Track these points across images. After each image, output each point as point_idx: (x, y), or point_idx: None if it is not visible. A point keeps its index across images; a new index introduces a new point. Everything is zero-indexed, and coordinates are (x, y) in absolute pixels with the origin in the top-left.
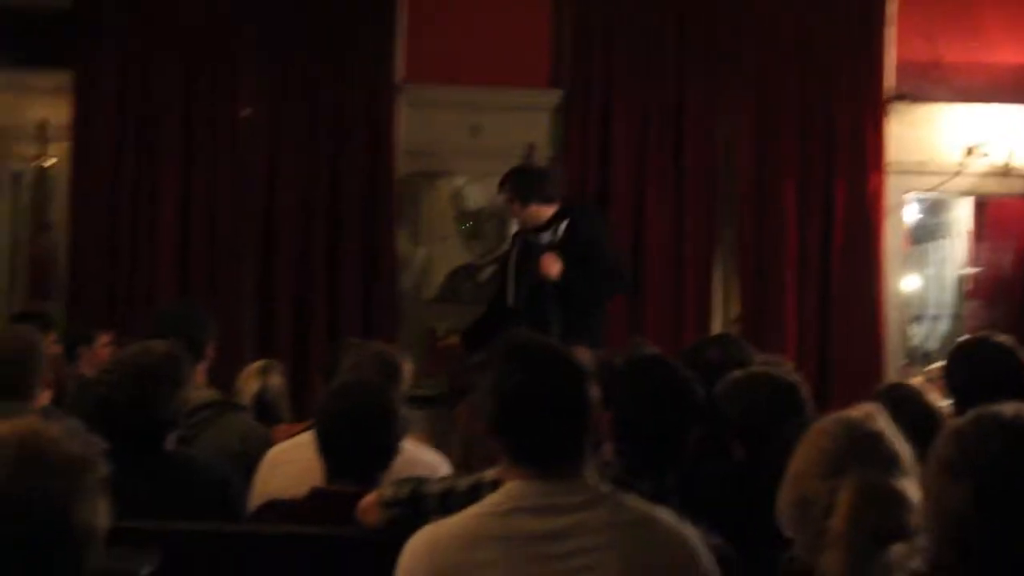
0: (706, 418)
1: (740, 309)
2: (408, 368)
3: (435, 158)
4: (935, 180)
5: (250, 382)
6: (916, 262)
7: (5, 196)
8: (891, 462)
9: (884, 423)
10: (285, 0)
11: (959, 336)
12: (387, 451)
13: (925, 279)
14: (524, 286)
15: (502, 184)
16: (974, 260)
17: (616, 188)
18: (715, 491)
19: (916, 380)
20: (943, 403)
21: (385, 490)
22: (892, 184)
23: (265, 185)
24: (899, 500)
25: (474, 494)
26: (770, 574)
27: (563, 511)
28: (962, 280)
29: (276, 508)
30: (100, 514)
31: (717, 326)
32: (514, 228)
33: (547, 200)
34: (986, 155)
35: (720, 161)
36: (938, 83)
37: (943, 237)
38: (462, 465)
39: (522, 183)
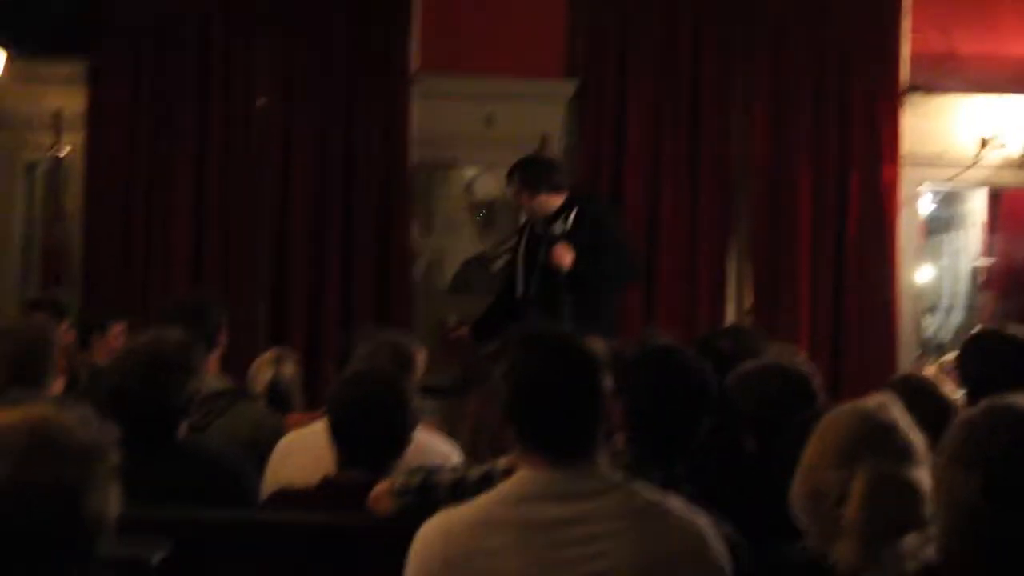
0: (717, 409)
1: (753, 299)
2: (421, 357)
3: (449, 148)
4: (950, 172)
5: (263, 371)
6: (930, 253)
7: (20, 186)
8: (905, 452)
9: (898, 413)
10: None
11: (972, 327)
12: (399, 440)
13: (939, 270)
14: (534, 276)
15: (510, 175)
16: (988, 251)
17: (630, 178)
18: (726, 482)
19: (929, 371)
20: (956, 394)
21: (396, 479)
22: (907, 176)
23: (279, 175)
24: (912, 490)
25: (486, 483)
26: (781, 565)
27: (576, 498)
28: (976, 271)
29: (287, 496)
30: (111, 502)
31: (731, 316)
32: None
33: (555, 190)
34: (1001, 147)
35: (735, 152)
36: (953, 75)
37: (957, 229)
38: (468, 454)
39: (530, 173)
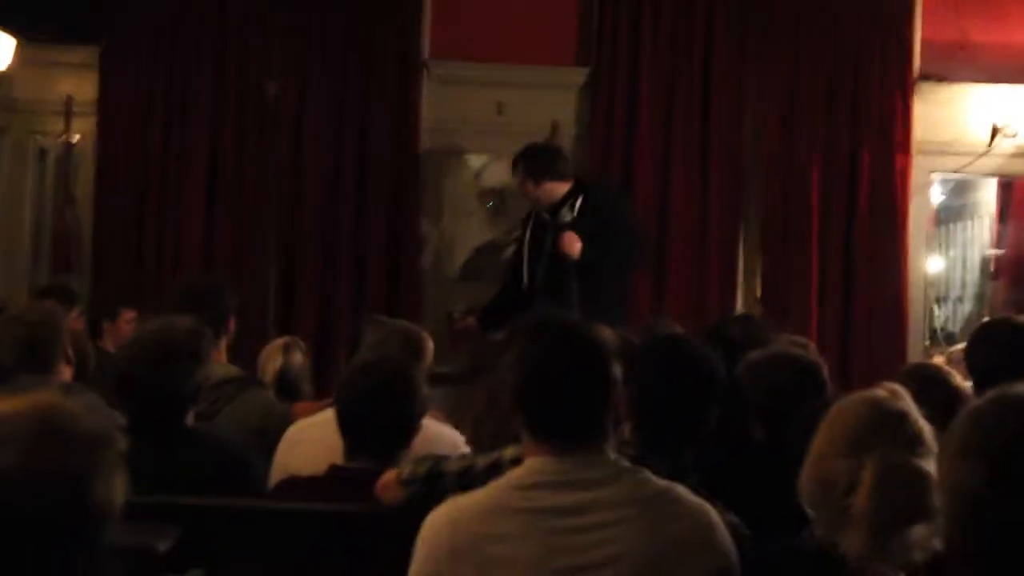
0: (726, 398)
1: (763, 288)
2: (431, 345)
3: (460, 136)
4: (961, 160)
5: (273, 359)
6: (940, 243)
7: (31, 171)
8: (915, 441)
9: (908, 402)
10: None
11: (982, 317)
12: (408, 429)
13: (949, 260)
14: (540, 264)
15: (514, 164)
16: (998, 241)
17: (641, 166)
18: (734, 471)
19: (938, 361)
20: (966, 384)
21: (404, 468)
22: (918, 164)
23: (290, 161)
24: (922, 480)
25: (493, 472)
26: (789, 554)
27: (584, 486)
28: (986, 261)
29: (295, 484)
30: (118, 490)
31: (740, 305)
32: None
33: (560, 177)
34: (1012, 136)
35: (746, 139)
36: (964, 63)
37: (968, 218)
38: (471, 444)
39: (534, 162)
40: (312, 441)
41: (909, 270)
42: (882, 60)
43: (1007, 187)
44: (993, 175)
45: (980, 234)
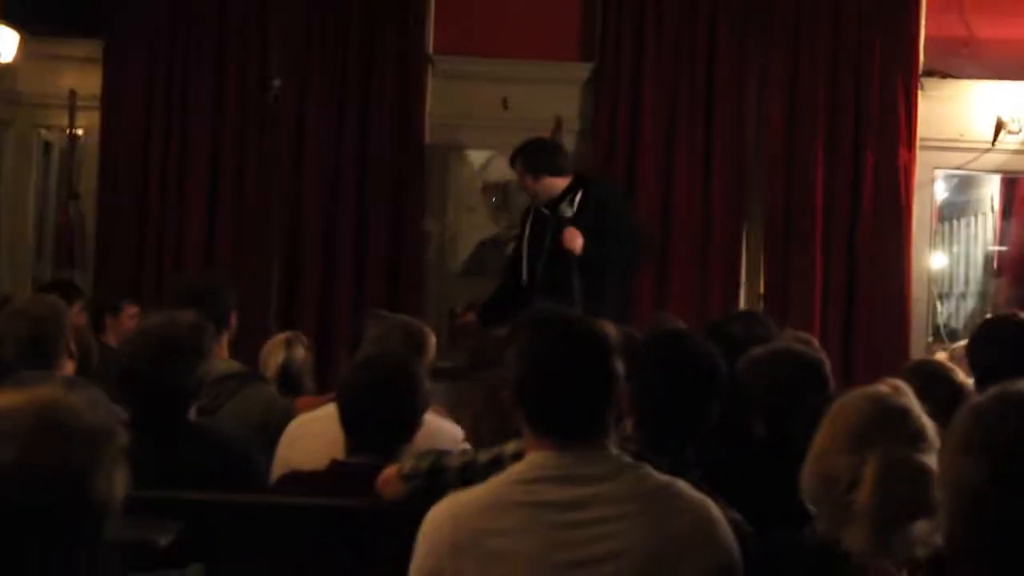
0: (728, 394)
1: (766, 285)
2: (433, 340)
3: (463, 130)
4: (965, 157)
5: (275, 354)
6: (944, 239)
7: (34, 165)
8: (917, 438)
9: (911, 399)
10: None
11: (985, 314)
12: (410, 424)
13: (952, 256)
14: (540, 260)
15: (513, 159)
16: (1002, 238)
17: (644, 162)
18: (736, 467)
19: (940, 357)
20: (968, 381)
21: (405, 463)
22: (921, 160)
23: (293, 156)
24: (925, 476)
25: (495, 467)
26: (789, 551)
27: (586, 481)
28: (989, 258)
29: (297, 479)
30: (118, 484)
31: (743, 302)
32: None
33: (559, 173)
34: (1017, 132)
35: (749, 136)
36: (969, 59)
37: (971, 214)
38: (469, 441)
39: (533, 157)
40: (314, 436)
41: (912, 266)
42: (886, 56)
43: (1011, 183)
44: (997, 171)
45: (983, 230)
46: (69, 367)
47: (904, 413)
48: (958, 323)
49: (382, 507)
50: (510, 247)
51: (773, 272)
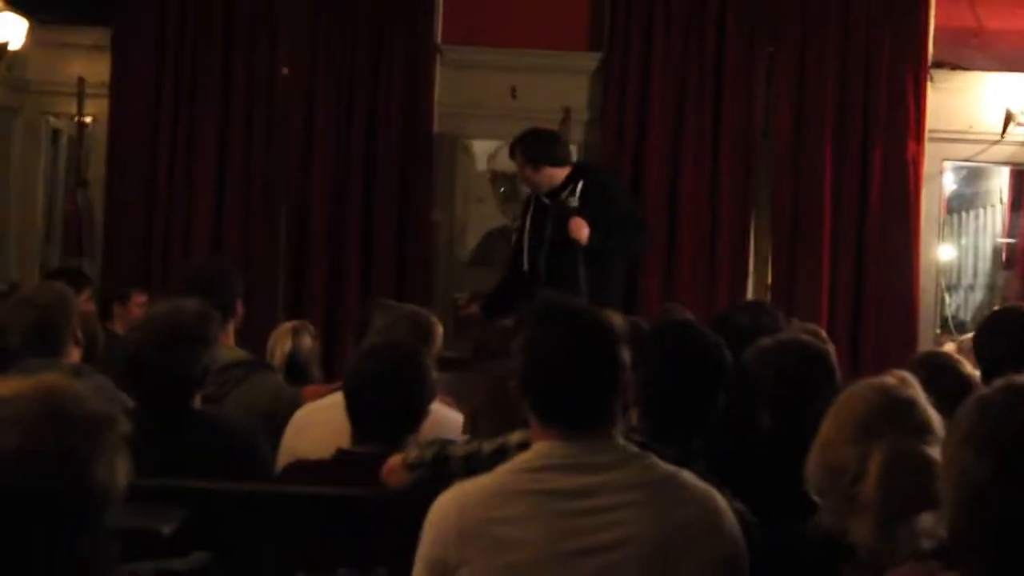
0: (734, 385)
1: (773, 276)
2: (440, 330)
3: (472, 120)
4: (973, 148)
5: (282, 342)
6: (952, 231)
7: (43, 153)
8: (923, 429)
9: (917, 390)
10: None
11: (993, 306)
12: (416, 413)
13: (961, 248)
14: (542, 250)
15: (512, 149)
16: (1010, 230)
17: (653, 152)
18: (742, 458)
19: (948, 349)
20: (975, 373)
21: (410, 452)
22: (930, 152)
23: (302, 145)
24: (931, 468)
25: (499, 456)
26: (796, 541)
27: (593, 469)
28: (998, 250)
29: (302, 468)
30: (120, 472)
31: (751, 292)
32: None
33: (558, 163)
34: None
35: (758, 126)
36: (978, 51)
37: (980, 206)
38: (468, 433)
39: (532, 147)
40: (320, 424)
41: (920, 258)
42: (894, 48)
43: (1020, 175)
44: (1006, 163)
45: (992, 222)
46: (75, 355)
47: (910, 404)
48: (966, 315)
49: (387, 496)
50: (512, 238)
51: (781, 263)
